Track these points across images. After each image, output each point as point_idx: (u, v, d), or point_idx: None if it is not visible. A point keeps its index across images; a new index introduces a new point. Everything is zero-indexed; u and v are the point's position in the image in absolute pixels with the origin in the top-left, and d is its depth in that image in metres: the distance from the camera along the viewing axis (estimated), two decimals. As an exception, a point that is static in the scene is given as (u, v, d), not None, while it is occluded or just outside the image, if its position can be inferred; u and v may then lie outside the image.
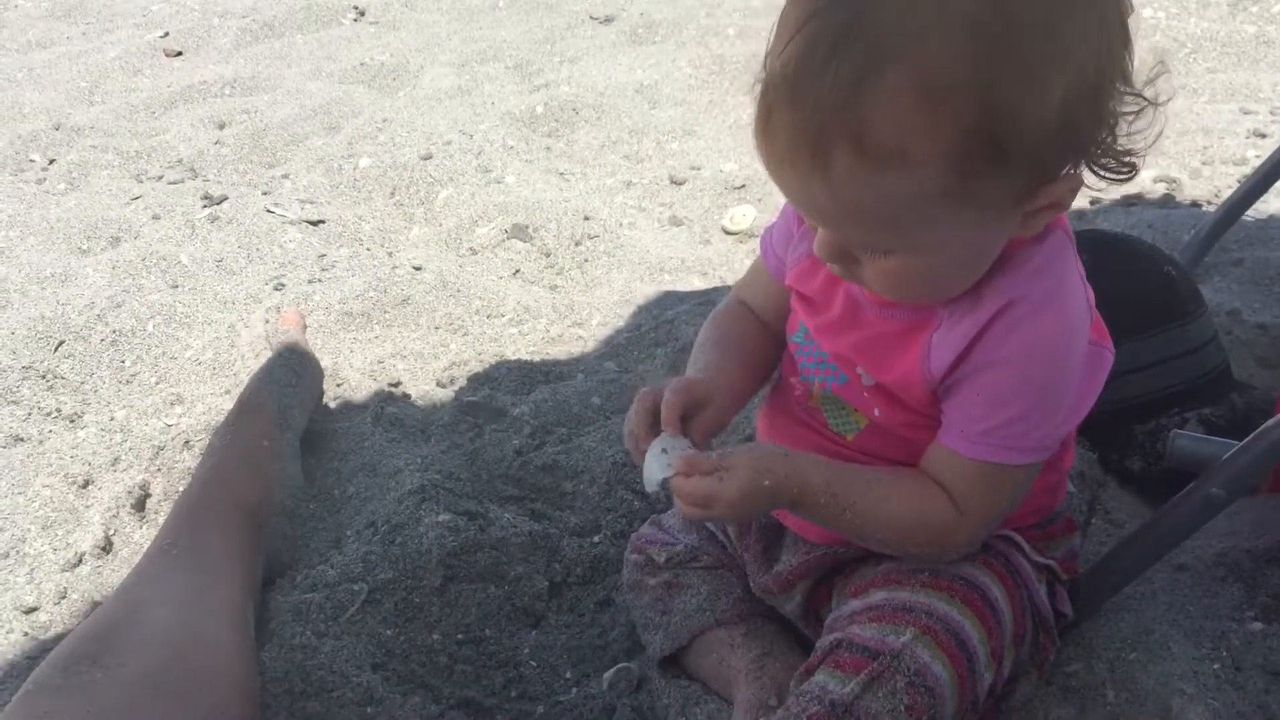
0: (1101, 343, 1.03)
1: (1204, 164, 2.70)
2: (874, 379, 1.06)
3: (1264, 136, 2.76)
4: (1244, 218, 2.12)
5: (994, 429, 0.98)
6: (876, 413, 1.08)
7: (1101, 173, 0.92)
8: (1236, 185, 2.22)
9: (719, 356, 1.20)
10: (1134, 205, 2.52)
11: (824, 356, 1.11)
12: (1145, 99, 0.90)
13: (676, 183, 2.82)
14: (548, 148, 3.07)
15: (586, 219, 2.56)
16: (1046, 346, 0.96)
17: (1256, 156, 2.64)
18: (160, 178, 2.98)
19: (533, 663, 1.37)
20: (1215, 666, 1.13)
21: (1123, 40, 0.87)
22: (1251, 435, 1.09)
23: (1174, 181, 2.63)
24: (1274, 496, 1.40)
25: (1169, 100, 0.90)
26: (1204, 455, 1.15)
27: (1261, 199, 2.07)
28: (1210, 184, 2.60)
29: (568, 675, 1.35)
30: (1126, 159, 0.92)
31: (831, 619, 1.13)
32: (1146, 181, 2.64)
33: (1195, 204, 2.50)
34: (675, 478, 1.02)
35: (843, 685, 1.01)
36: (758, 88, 0.87)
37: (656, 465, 1.04)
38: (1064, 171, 0.89)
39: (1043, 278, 0.96)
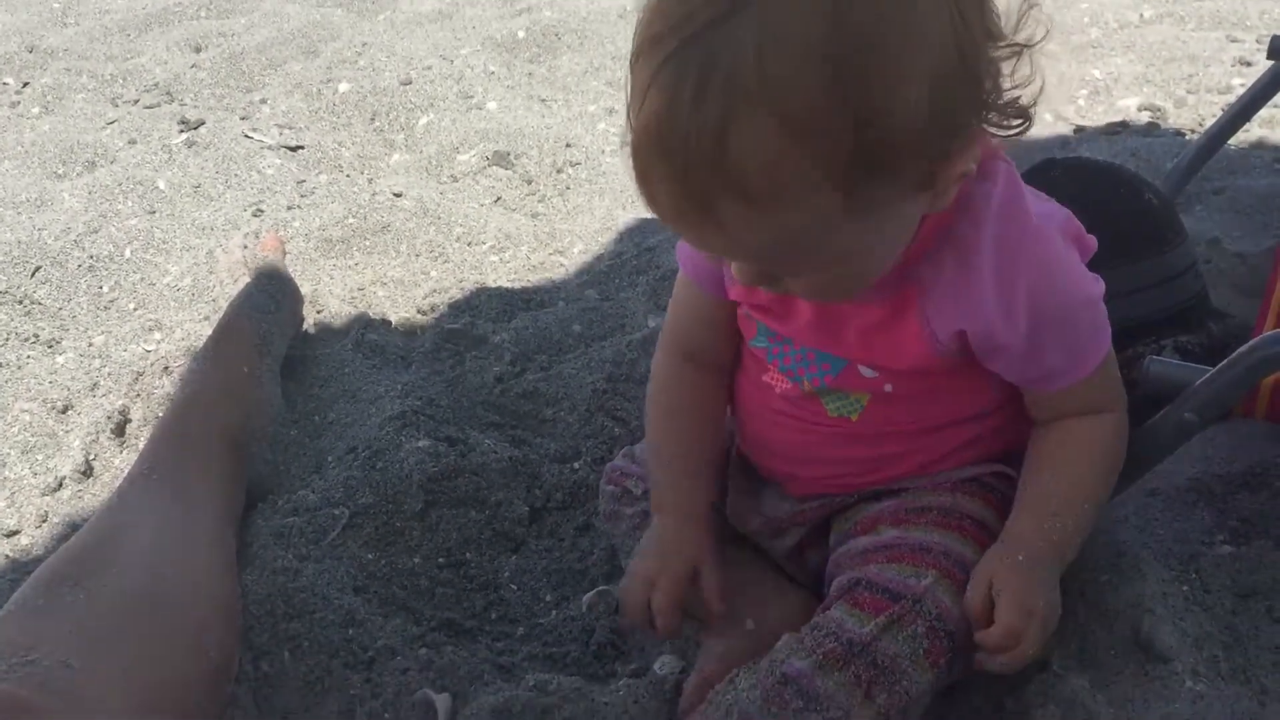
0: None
1: (1189, 92, 2.69)
2: (877, 372, 1.07)
3: (1249, 65, 2.75)
4: (1227, 146, 2.11)
5: (1075, 348, 1.03)
6: (888, 388, 1.08)
7: (996, 131, 0.91)
8: (1221, 114, 2.21)
9: (677, 476, 1.21)
10: (1118, 134, 2.51)
11: (806, 353, 1.10)
12: (1017, 44, 0.88)
13: (659, 109, 2.78)
14: (529, 73, 3.04)
15: (568, 146, 2.54)
16: (1047, 268, 1.00)
17: (1241, 85, 2.62)
18: (136, 101, 2.94)
19: (513, 586, 1.38)
20: (1184, 588, 1.15)
21: (974, 2, 0.85)
22: (1225, 361, 1.09)
23: (1158, 110, 2.62)
24: (1247, 421, 1.41)
25: (1045, 37, 0.89)
26: (1177, 380, 1.16)
27: (1245, 128, 2.06)
28: (1195, 112, 2.59)
29: (548, 598, 1.36)
30: (1017, 107, 0.91)
31: (839, 554, 1.13)
32: (1131, 109, 2.63)
33: (1179, 132, 2.50)
34: (982, 656, 1.01)
35: (861, 625, 1.01)
36: (626, 148, 0.84)
37: None
38: (955, 146, 0.87)
39: (1003, 211, 0.98)
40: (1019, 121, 0.92)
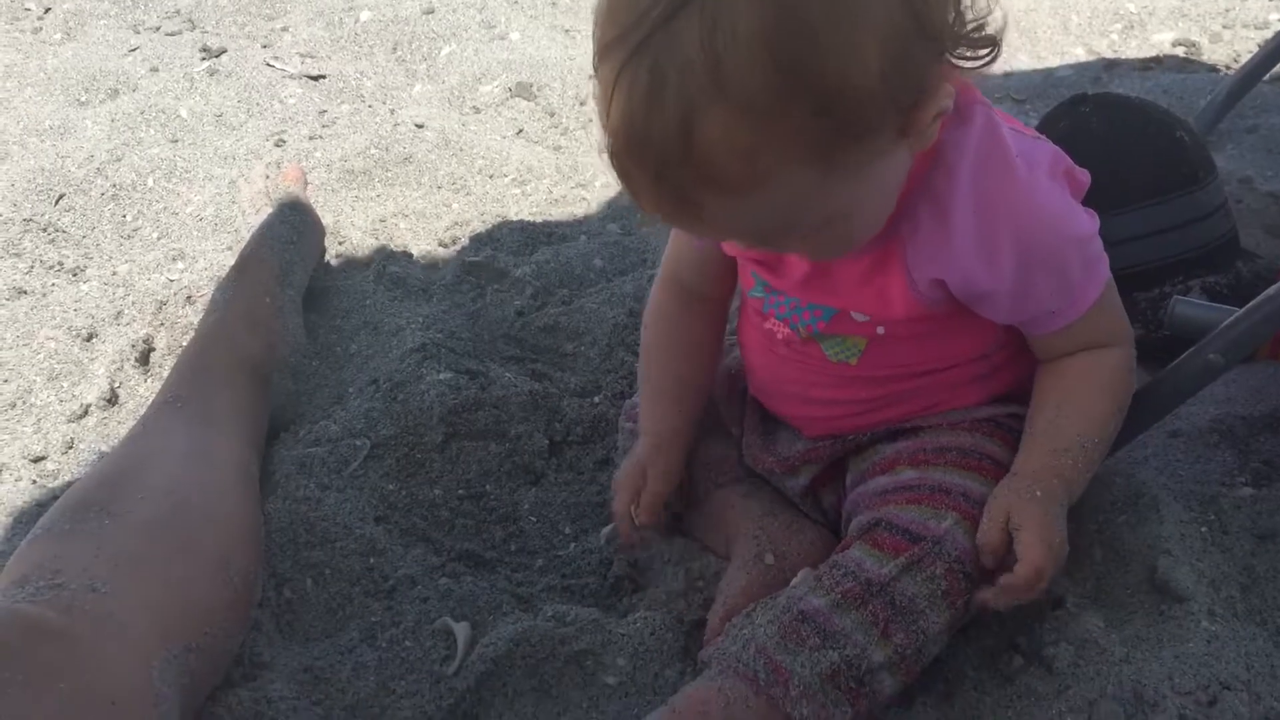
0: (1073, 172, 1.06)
1: (1225, 27, 2.63)
2: (868, 316, 1.07)
3: (1289, -1, 2.69)
4: (1262, 84, 2.08)
5: (1067, 288, 1.02)
6: (881, 331, 1.08)
7: (964, 64, 0.89)
8: (1257, 50, 2.17)
9: (667, 403, 1.26)
10: (1150, 69, 2.47)
11: (797, 302, 1.10)
12: None
13: (684, 41, 2.75)
14: (553, 3, 3.00)
15: (592, 78, 2.51)
16: (1030, 210, 0.98)
17: (1279, 20, 2.57)
18: (158, 28, 2.92)
19: (532, 518, 1.39)
20: (1203, 529, 1.15)
21: None
22: (1252, 303, 1.08)
23: (1193, 45, 2.57)
24: (1273, 363, 1.40)
25: None
26: (1203, 321, 1.15)
27: (1281, 64, 2.02)
28: (1230, 48, 2.54)
29: (566, 530, 1.38)
30: (985, 35, 0.89)
31: (856, 493, 1.14)
32: (1165, 45, 2.59)
33: (1213, 69, 2.45)
34: (995, 594, 1.01)
35: (881, 565, 1.02)
36: (604, 154, 0.86)
37: None
38: (925, 89, 0.85)
39: (980, 156, 0.97)
40: (987, 50, 0.90)
